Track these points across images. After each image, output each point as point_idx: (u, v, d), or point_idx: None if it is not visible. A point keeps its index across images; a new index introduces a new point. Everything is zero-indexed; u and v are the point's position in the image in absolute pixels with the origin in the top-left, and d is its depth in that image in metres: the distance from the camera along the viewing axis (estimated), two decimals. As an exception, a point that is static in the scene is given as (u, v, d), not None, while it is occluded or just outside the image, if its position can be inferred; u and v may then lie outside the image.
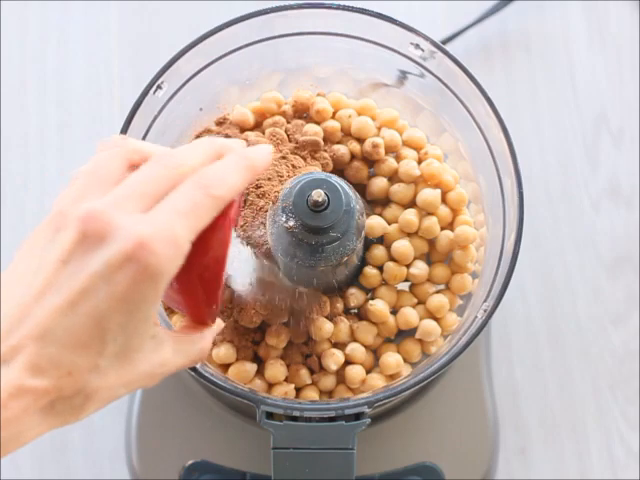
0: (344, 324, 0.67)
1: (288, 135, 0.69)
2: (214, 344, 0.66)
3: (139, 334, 0.47)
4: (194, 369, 0.61)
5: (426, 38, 0.66)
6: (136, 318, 0.46)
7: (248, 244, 0.65)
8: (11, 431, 0.45)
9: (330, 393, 0.67)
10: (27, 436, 0.46)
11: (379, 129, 0.70)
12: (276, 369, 0.66)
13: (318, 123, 0.70)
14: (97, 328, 0.45)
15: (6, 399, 0.44)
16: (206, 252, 0.50)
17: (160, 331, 0.49)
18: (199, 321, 0.54)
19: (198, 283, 0.51)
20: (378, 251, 0.68)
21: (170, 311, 0.67)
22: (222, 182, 0.49)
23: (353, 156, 0.70)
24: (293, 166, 0.67)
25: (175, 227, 0.46)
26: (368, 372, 0.67)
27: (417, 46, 0.66)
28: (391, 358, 0.67)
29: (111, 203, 0.46)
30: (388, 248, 0.68)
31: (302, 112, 0.70)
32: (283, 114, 0.70)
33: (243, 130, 0.70)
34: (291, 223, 0.61)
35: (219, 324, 0.56)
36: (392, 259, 0.68)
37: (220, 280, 0.52)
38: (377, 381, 0.66)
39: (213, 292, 0.53)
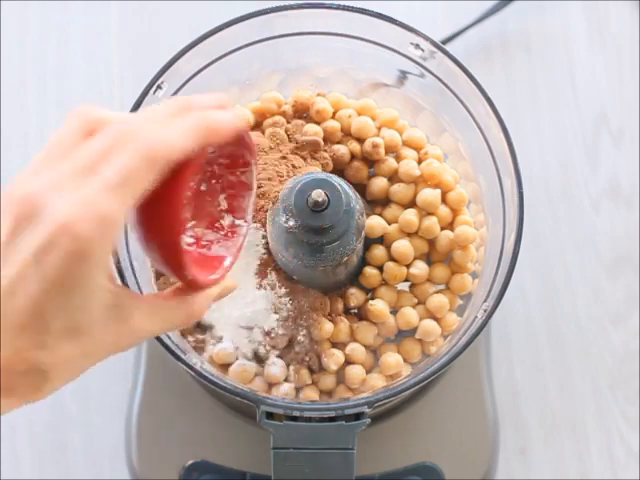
0: (344, 324, 0.67)
1: (288, 135, 0.69)
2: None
3: (85, 309, 0.46)
4: (194, 369, 0.61)
5: (426, 38, 0.66)
6: (76, 297, 0.45)
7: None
8: None
9: (330, 393, 0.67)
10: None
11: (379, 129, 0.70)
12: (276, 369, 0.66)
13: (318, 123, 0.70)
14: (34, 310, 0.45)
15: None
16: (161, 216, 0.48)
17: (126, 299, 0.49)
18: (188, 285, 0.52)
19: (169, 247, 0.50)
20: (378, 251, 0.68)
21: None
22: (162, 142, 0.47)
23: (353, 156, 0.70)
24: (293, 166, 0.67)
25: (102, 203, 0.45)
26: (368, 372, 0.67)
27: (417, 46, 0.66)
28: (391, 358, 0.67)
29: (48, 182, 0.45)
30: (388, 248, 0.68)
31: (302, 112, 0.70)
32: (283, 114, 0.70)
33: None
34: (291, 223, 0.61)
35: (226, 287, 0.55)
36: (392, 259, 0.68)
37: (177, 246, 0.50)
38: (377, 381, 0.66)
39: (175, 258, 0.51)
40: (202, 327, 0.67)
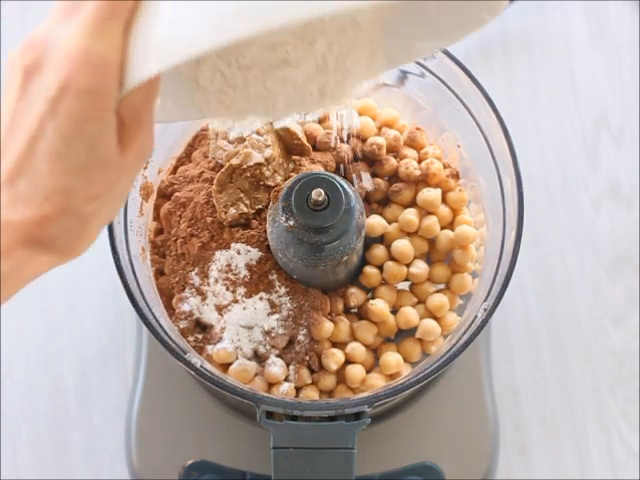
0: (344, 324, 0.67)
1: (288, 135, 0.69)
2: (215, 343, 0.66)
3: (104, 139, 0.45)
4: (194, 369, 0.61)
5: (426, 38, 0.66)
6: (94, 131, 0.45)
7: None
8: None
9: (330, 393, 0.67)
10: (23, 276, 0.46)
11: (379, 129, 0.70)
12: (276, 369, 0.66)
13: (319, 123, 0.70)
14: (58, 154, 0.45)
15: None
16: None
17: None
18: None
19: None
20: (378, 250, 0.68)
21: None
22: None
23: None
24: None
25: (85, 42, 0.44)
26: (368, 372, 0.67)
27: (417, 46, 0.66)
28: (391, 358, 0.67)
29: (48, 21, 0.44)
30: (388, 247, 0.68)
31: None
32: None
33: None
34: (291, 222, 0.61)
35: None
36: (392, 258, 0.68)
37: None
38: (377, 381, 0.66)
39: None
40: (202, 327, 0.67)
